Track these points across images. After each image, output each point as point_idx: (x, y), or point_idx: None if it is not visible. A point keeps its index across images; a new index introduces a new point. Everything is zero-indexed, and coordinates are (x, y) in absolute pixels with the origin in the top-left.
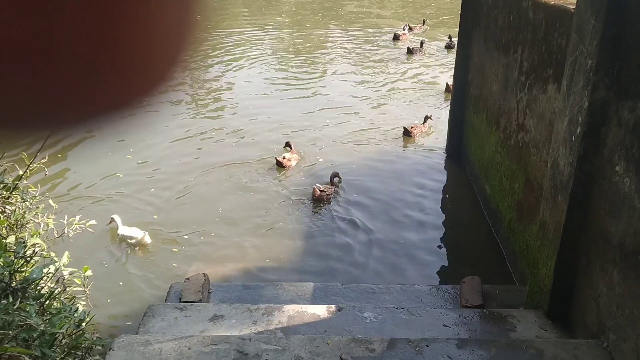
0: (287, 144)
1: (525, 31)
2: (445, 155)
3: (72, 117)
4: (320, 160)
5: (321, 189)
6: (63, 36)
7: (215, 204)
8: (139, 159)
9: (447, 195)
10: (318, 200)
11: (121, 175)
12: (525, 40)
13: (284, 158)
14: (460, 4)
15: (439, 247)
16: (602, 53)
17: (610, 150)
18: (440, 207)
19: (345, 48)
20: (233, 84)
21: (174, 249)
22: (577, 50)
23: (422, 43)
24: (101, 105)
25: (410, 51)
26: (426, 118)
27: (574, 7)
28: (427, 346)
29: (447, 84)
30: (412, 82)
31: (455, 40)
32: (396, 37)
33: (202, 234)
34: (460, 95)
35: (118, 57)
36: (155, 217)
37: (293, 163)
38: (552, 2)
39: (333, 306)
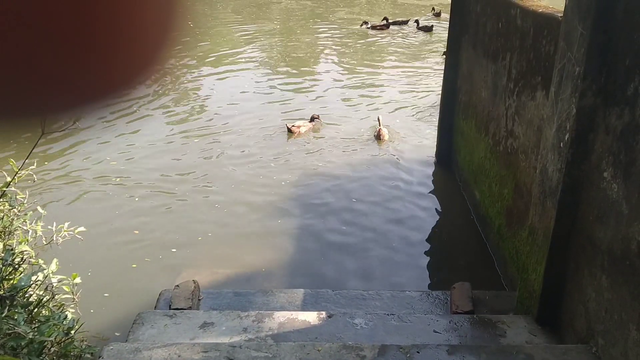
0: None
1: (513, 38)
2: (434, 160)
3: (56, 105)
4: (314, 169)
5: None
6: (42, 22)
7: (207, 205)
8: (122, 162)
9: (437, 201)
10: (380, 139)
11: (117, 179)
12: (513, 47)
13: (293, 125)
14: (449, 11)
15: (429, 252)
16: (589, 60)
17: (598, 156)
18: (430, 213)
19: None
20: (222, 88)
21: (163, 255)
22: (565, 57)
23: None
24: (84, 93)
25: (428, 29)
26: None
27: (562, 14)
28: (418, 352)
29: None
30: None
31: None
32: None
33: (194, 237)
34: (449, 101)
35: (100, 43)
36: (136, 232)
37: (302, 130)
38: (540, 10)
39: (324, 313)
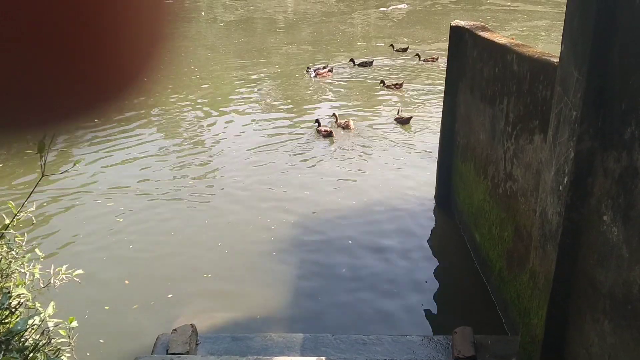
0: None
1: (510, 83)
2: (434, 203)
3: (37, 122)
4: (313, 212)
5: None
6: (27, 37)
7: (207, 244)
8: (120, 199)
9: (437, 244)
10: (348, 128)
11: (121, 220)
12: (510, 91)
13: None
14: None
15: (430, 296)
16: (586, 105)
17: (597, 200)
18: (430, 256)
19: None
20: (220, 127)
21: (161, 298)
22: (562, 102)
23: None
24: (66, 108)
25: (367, 64)
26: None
27: (558, 60)
28: None
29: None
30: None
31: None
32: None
33: (193, 278)
34: (447, 143)
35: (83, 62)
36: (134, 275)
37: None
38: (536, 56)
39: (323, 358)
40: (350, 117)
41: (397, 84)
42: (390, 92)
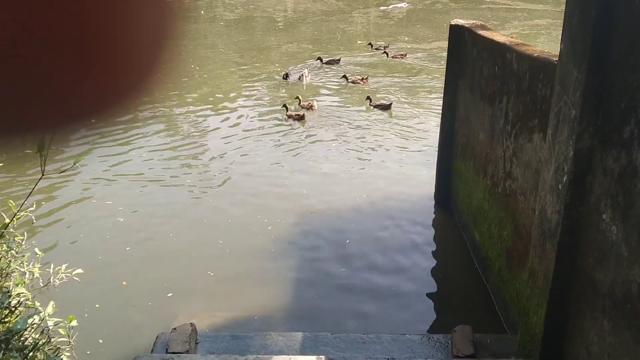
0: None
1: (510, 82)
2: (433, 202)
3: (42, 125)
4: (311, 212)
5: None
6: (30, 40)
7: (206, 244)
8: (120, 198)
9: (436, 243)
10: (312, 109)
11: (121, 219)
12: (510, 90)
13: (297, 113)
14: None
15: (429, 294)
16: (585, 103)
17: (596, 198)
18: (430, 255)
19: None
20: (219, 126)
21: (161, 297)
22: (561, 100)
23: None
24: (72, 112)
25: (335, 62)
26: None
27: (557, 58)
28: None
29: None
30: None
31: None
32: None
33: (193, 277)
34: (447, 143)
35: (89, 67)
36: (134, 273)
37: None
38: (536, 54)
39: (323, 357)
40: (315, 100)
41: (362, 78)
42: (389, 88)
